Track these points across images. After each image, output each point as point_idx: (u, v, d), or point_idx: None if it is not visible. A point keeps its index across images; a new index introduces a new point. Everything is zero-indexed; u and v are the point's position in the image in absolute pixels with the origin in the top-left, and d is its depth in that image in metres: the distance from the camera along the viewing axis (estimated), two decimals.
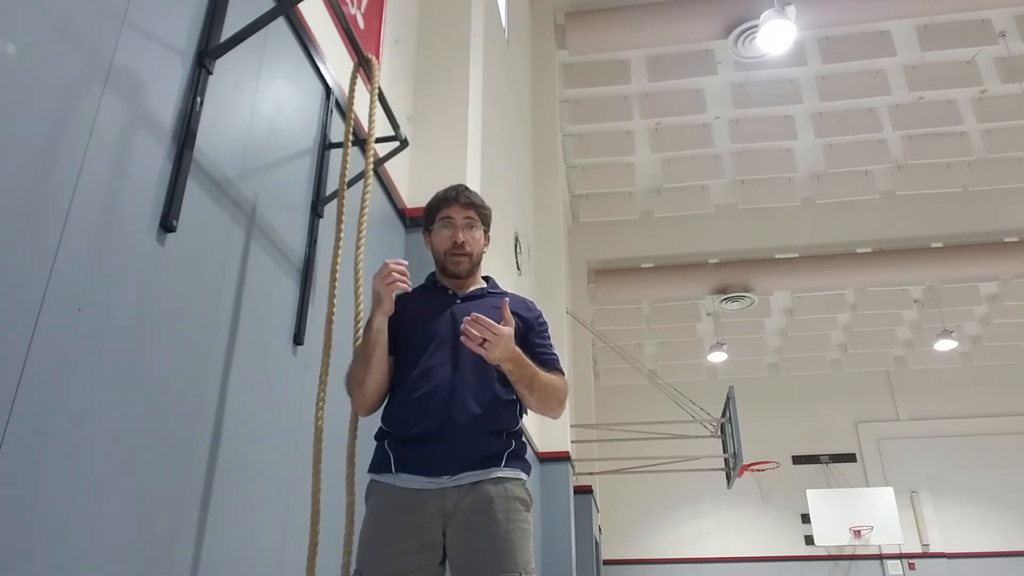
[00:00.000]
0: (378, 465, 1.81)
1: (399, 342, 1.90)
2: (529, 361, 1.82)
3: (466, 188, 2.04)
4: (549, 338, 2.02)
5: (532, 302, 2.08)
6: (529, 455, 1.92)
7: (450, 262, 1.98)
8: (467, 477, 1.72)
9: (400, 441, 1.80)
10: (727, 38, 7.95)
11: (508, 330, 1.74)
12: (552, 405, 1.89)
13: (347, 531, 1.88)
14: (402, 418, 1.82)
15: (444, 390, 1.80)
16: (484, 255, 2.06)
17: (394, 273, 1.82)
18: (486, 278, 2.09)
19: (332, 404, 2.03)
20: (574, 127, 9.76)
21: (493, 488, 1.72)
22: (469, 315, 1.74)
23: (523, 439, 1.91)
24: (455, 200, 1.99)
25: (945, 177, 10.29)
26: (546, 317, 2.09)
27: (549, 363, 1.92)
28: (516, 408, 1.88)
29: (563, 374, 1.97)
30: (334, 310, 2.07)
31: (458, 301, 1.98)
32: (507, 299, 1.91)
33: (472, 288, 2.01)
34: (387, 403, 1.89)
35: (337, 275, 2.10)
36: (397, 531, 1.70)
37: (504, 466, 1.77)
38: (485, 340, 1.69)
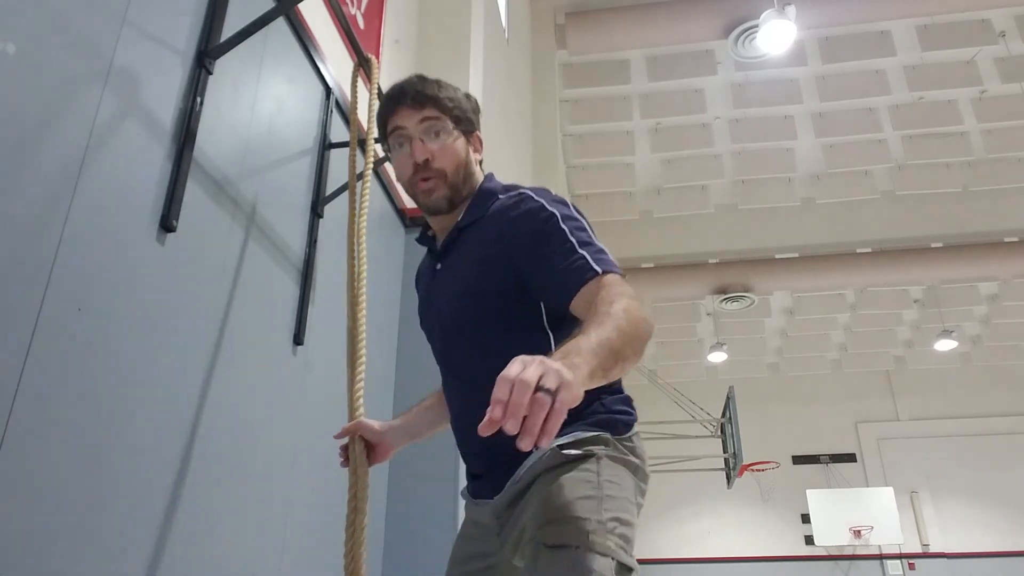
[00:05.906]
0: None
1: None
2: (588, 346, 0.96)
3: (419, 78, 1.42)
4: (567, 238, 1.22)
5: (530, 195, 1.31)
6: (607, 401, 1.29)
7: (420, 195, 1.37)
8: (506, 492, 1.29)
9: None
10: (727, 38, 7.95)
11: (517, 368, 0.86)
12: (637, 349, 1.08)
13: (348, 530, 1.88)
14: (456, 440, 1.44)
15: (463, 418, 1.37)
16: (480, 161, 1.44)
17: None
18: (482, 188, 1.41)
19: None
20: (574, 127, 9.75)
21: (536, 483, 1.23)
22: (446, 312, 1.28)
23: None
24: (400, 102, 1.37)
25: (945, 177, 10.28)
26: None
27: (579, 273, 1.16)
28: None
29: (616, 277, 1.16)
30: (356, 312, 1.73)
31: (438, 265, 1.41)
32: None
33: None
34: None
35: (352, 277, 1.94)
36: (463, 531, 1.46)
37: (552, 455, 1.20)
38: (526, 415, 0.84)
